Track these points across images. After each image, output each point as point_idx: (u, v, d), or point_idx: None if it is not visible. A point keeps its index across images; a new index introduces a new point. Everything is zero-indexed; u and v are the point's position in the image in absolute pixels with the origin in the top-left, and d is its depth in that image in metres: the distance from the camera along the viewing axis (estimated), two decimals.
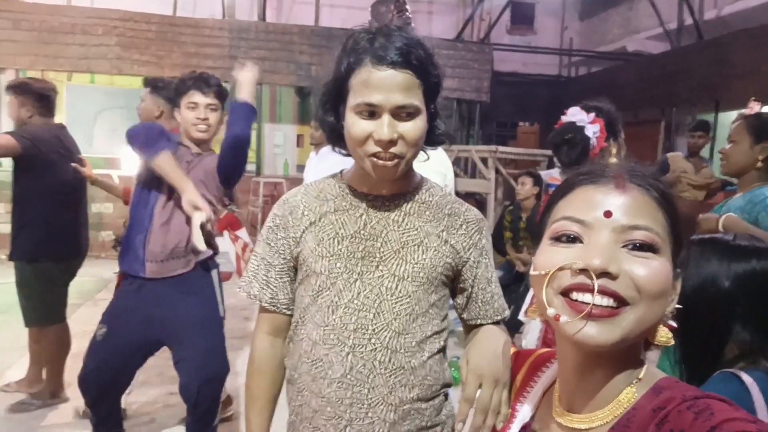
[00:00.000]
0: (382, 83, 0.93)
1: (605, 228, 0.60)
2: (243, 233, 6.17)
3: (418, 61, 0.94)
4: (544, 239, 0.66)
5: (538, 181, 4.30)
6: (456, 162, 7.34)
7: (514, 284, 3.79)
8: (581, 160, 2.00)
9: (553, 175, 5.56)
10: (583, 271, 0.59)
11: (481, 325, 1.09)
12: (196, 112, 2.10)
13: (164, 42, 7.11)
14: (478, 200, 5.77)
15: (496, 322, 1.09)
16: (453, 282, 1.08)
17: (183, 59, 7.12)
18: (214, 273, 2.21)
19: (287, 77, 7.50)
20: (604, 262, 0.58)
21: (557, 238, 0.64)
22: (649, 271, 0.59)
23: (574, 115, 2.03)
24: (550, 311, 0.61)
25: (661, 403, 0.59)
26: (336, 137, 1.04)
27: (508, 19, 9.45)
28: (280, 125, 8.51)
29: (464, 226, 1.06)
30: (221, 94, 2.17)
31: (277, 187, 7.32)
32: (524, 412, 0.75)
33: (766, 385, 0.97)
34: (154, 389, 3.09)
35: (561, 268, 0.61)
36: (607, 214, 0.60)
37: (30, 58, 6.85)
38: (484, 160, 6.02)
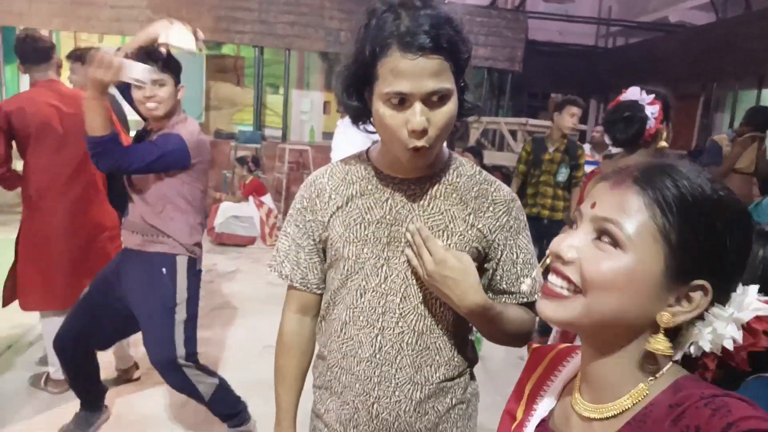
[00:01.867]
0: (412, 71, 0.88)
1: (587, 218, 0.65)
2: (268, 199, 6.26)
3: (448, 43, 0.89)
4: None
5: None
6: (484, 134, 7.23)
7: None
8: (636, 139, 2.01)
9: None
10: (558, 256, 0.66)
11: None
12: (142, 91, 1.98)
13: (194, 5, 7.08)
14: (504, 174, 5.69)
15: (524, 305, 1.08)
16: (480, 263, 1.07)
17: (212, 23, 7.10)
18: (180, 258, 2.13)
19: (316, 43, 7.42)
20: (563, 249, 0.64)
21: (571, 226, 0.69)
22: (597, 261, 0.62)
23: (634, 94, 2.02)
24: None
25: (678, 400, 0.59)
26: (360, 117, 1.02)
27: None
28: (307, 92, 8.47)
29: (491, 208, 1.04)
30: (169, 66, 2.02)
31: (302, 155, 7.33)
32: (544, 405, 0.75)
33: None
34: None
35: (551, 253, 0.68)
36: (593, 205, 0.65)
37: (63, 20, 6.92)
38: (513, 133, 5.91)
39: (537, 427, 0.74)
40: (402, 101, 0.90)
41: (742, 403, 0.55)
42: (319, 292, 1.12)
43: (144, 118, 2.16)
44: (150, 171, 2.02)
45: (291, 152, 7.14)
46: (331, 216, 1.05)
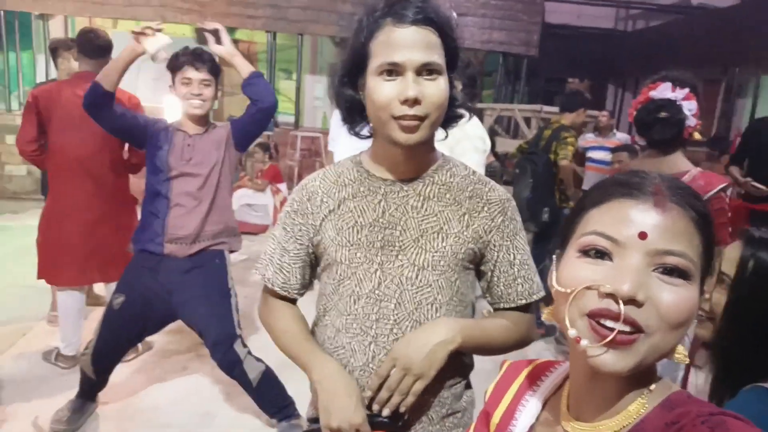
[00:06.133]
0: (404, 41, 0.92)
1: (638, 249, 0.57)
2: (284, 187, 6.25)
3: (438, 19, 0.94)
4: (571, 250, 0.63)
5: None
6: (498, 120, 7.12)
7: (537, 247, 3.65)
8: (677, 140, 1.92)
9: (587, 138, 5.30)
10: (610, 294, 0.56)
11: (505, 309, 1.06)
12: (190, 88, 2.18)
13: None
14: (510, 168, 5.61)
15: (522, 307, 1.06)
16: (477, 265, 1.05)
17: (225, 7, 7.06)
18: (225, 252, 2.35)
19: (329, 27, 7.34)
20: (632, 288, 0.55)
21: (585, 252, 0.61)
22: (677, 300, 0.56)
23: (666, 91, 1.89)
24: (572, 332, 0.59)
25: (674, 418, 0.58)
26: (353, 113, 1.02)
27: None
28: (320, 77, 8.41)
29: (486, 208, 1.02)
30: (215, 70, 2.23)
31: (314, 141, 7.30)
32: (523, 421, 0.72)
33: None
34: (187, 337, 3.17)
35: (588, 288, 0.58)
36: (643, 235, 0.57)
37: (77, 5, 6.93)
38: (527, 120, 5.81)
39: None
40: (395, 73, 0.92)
41: (739, 422, 0.55)
42: (299, 296, 1.12)
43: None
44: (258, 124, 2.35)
45: (303, 139, 7.11)
46: (323, 219, 1.04)
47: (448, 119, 1.02)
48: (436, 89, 0.93)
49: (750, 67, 6.77)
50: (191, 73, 2.17)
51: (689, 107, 1.87)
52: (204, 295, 2.23)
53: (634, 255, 0.57)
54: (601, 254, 0.59)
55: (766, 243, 1.06)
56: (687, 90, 1.87)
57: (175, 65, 2.20)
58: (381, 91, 0.93)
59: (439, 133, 1.03)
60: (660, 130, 1.89)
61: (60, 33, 7.11)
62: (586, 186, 4.54)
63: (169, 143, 2.23)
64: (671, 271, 0.57)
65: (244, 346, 2.27)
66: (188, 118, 2.26)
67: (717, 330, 1.08)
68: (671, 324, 0.57)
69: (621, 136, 4.96)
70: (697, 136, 1.92)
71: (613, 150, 4.37)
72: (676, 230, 0.57)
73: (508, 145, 6.00)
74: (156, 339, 2.99)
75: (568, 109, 3.92)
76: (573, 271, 0.61)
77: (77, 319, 2.83)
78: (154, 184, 2.24)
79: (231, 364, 2.23)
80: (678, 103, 1.87)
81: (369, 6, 0.97)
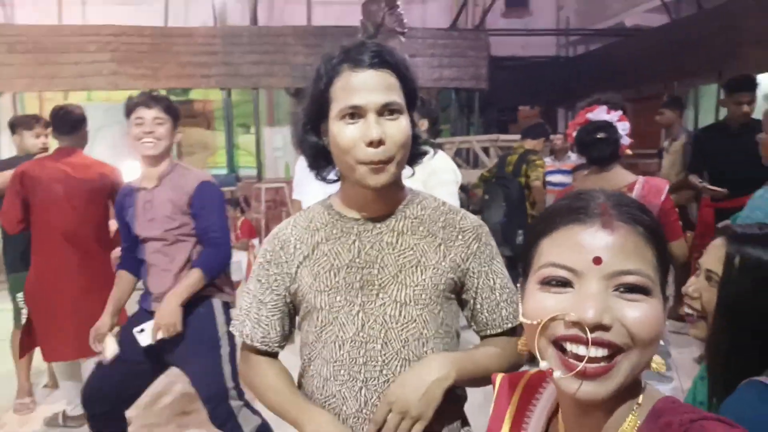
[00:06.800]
0: (363, 84, 0.93)
1: (595, 275, 0.58)
2: (256, 242, 6.18)
3: (394, 61, 0.96)
4: (532, 282, 0.63)
5: None
6: (458, 153, 7.27)
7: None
8: (613, 158, 2.10)
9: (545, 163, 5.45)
10: (576, 323, 0.57)
11: (492, 335, 1.06)
12: (142, 127, 2.07)
13: (158, 53, 7.09)
14: (480, 195, 5.70)
15: (508, 331, 1.05)
16: (458, 294, 1.05)
17: (177, 69, 7.11)
18: (215, 301, 2.21)
19: (283, 80, 7.46)
20: (596, 314, 0.56)
21: (546, 283, 0.61)
22: (642, 316, 0.57)
23: (602, 113, 2.09)
24: (543, 364, 0.60)
25: (659, 430, 0.58)
26: (319, 158, 1.02)
27: (503, 2, 9.33)
28: (279, 128, 8.47)
29: (460, 236, 1.03)
30: (171, 110, 2.13)
31: (278, 192, 7.29)
32: None
33: None
34: (165, 402, 3.05)
35: (553, 319, 0.59)
36: (597, 260, 0.58)
37: (27, 81, 6.87)
38: (486, 150, 5.95)
39: None
40: (356, 116, 0.93)
41: (721, 424, 0.55)
42: (279, 349, 1.09)
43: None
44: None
45: (267, 191, 7.10)
46: (298, 266, 1.02)
47: (414, 156, 1.03)
48: (398, 129, 0.94)
49: (687, 79, 7.14)
50: (143, 111, 2.07)
51: (623, 128, 2.07)
52: (191, 350, 2.12)
53: (592, 281, 0.58)
54: (562, 283, 0.60)
55: (749, 238, 1.08)
56: (620, 112, 2.08)
57: (128, 109, 2.11)
58: (344, 134, 0.93)
59: (407, 171, 1.03)
60: (599, 148, 2.08)
61: (9, 110, 6.98)
62: None
63: (133, 205, 2.16)
64: (631, 289, 0.58)
65: (240, 398, 2.16)
66: (145, 164, 2.14)
67: (710, 327, 1.09)
68: (643, 341, 0.57)
69: (576, 158, 5.11)
70: (628, 151, 2.12)
71: (573, 171, 4.51)
72: (628, 249, 0.58)
73: (470, 176, 6.10)
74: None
75: (531, 136, 4.15)
76: (536, 302, 0.61)
77: (78, 378, 2.83)
78: (133, 249, 2.20)
79: (223, 420, 2.12)
80: (614, 124, 2.06)
81: (325, 55, 0.98)
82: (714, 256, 1.11)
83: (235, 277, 6.08)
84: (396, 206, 1.03)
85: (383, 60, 0.94)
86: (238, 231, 6.16)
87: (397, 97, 0.95)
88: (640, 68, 7.60)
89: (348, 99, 0.93)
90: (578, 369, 0.56)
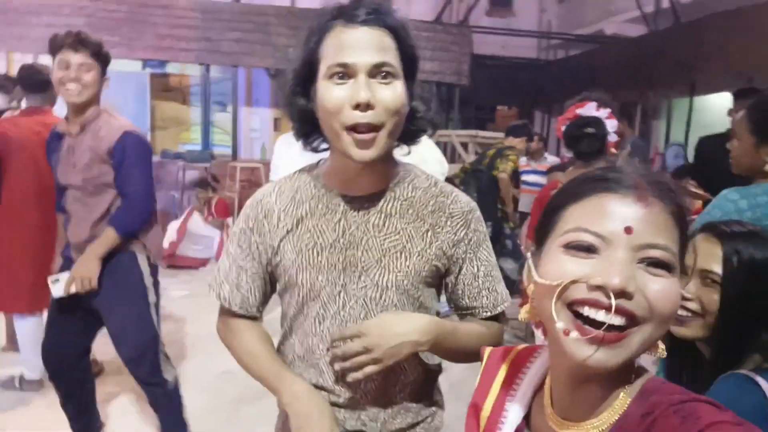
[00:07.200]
0: (355, 42, 0.86)
1: (624, 244, 0.58)
2: (231, 221, 6.12)
3: (393, 21, 0.89)
4: (553, 245, 0.62)
5: None
6: (436, 146, 7.30)
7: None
8: (600, 153, 2.14)
9: (520, 163, 5.58)
10: (599, 287, 0.57)
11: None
12: (66, 72, 1.93)
13: (135, 23, 6.88)
14: (456, 185, 5.76)
15: (492, 317, 1.05)
16: (440, 278, 1.04)
17: (155, 41, 6.92)
18: (140, 255, 2.10)
19: (263, 60, 7.34)
20: (623, 281, 0.56)
21: (572, 247, 0.60)
22: (664, 290, 0.57)
23: (591, 109, 2.15)
24: (560, 325, 0.59)
25: (649, 408, 0.58)
26: (307, 124, 0.96)
27: (487, 0, 9.39)
28: (256, 109, 8.37)
29: (449, 222, 0.99)
30: (100, 55, 1.99)
31: (254, 172, 7.21)
32: (514, 413, 0.72)
33: None
34: None
35: (575, 281, 0.58)
36: (629, 230, 0.58)
37: None
38: (465, 145, 6.00)
39: None
40: (346, 77, 0.86)
41: (711, 407, 0.56)
42: (258, 314, 1.06)
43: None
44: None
45: (242, 170, 7.01)
46: (281, 240, 0.99)
47: (410, 134, 0.97)
48: (392, 93, 0.86)
49: (661, 90, 7.33)
50: (69, 55, 1.92)
51: (611, 125, 2.13)
52: (118, 298, 2.06)
53: (619, 249, 0.58)
54: (587, 249, 0.59)
55: (741, 236, 1.08)
56: (609, 110, 2.14)
57: (52, 48, 1.95)
58: (331, 95, 0.86)
59: (403, 149, 0.99)
60: (587, 143, 2.13)
61: None
62: (522, 207, 4.71)
63: (57, 150, 2.06)
64: (656, 264, 0.58)
65: (161, 347, 2.13)
66: (69, 109, 2.03)
67: (714, 327, 1.08)
68: (661, 315, 0.57)
69: (552, 159, 5.20)
70: (613, 151, 2.18)
71: (548, 172, 4.58)
72: (659, 224, 0.59)
73: (449, 170, 6.17)
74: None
75: (514, 135, 4.26)
76: (559, 265, 0.60)
77: (37, 342, 2.70)
78: (59, 197, 2.11)
79: (148, 371, 2.08)
80: (603, 120, 2.12)
81: (319, 11, 0.92)
82: (706, 253, 1.09)
83: (204, 255, 6.04)
84: (386, 183, 0.98)
85: (379, 18, 0.87)
86: (213, 209, 6.10)
87: (392, 60, 0.87)
88: (617, 76, 7.76)
89: (337, 56, 0.86)
90: (596, 333, 0.56)
